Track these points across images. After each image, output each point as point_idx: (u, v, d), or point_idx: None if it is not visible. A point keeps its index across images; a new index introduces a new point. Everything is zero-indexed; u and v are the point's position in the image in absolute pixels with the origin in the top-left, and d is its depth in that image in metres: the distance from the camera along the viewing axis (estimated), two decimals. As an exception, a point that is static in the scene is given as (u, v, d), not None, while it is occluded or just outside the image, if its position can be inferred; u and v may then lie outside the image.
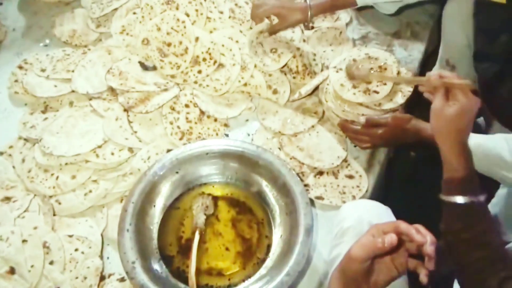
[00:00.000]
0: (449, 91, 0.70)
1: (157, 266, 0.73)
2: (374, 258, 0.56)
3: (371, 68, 0.93)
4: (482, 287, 0.59)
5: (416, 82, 0.78)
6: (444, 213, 0.65)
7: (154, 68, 0.99)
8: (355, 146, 0.94)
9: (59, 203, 0.80)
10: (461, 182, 0.65)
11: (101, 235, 0.79)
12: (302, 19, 0.98)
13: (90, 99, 0.95)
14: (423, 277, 0.53)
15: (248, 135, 0.97)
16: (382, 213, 0.74)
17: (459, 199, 0.63)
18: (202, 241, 0.77)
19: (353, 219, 0.71)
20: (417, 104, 1.04)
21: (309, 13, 0.97)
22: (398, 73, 0.94)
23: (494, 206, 0.93)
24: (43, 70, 1.00)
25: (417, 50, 1.19)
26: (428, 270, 0.53)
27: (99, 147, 0.85)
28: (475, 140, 0.75)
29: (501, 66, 0.86)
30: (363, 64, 0.94)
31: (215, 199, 0.82)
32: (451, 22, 1.12)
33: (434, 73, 0.73)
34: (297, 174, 0.88)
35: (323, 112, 0.99)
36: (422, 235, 0.52)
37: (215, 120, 0.96)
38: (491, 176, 0.75)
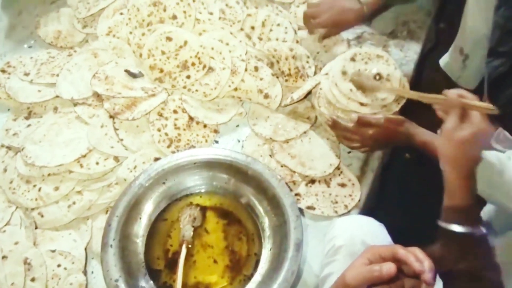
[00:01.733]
0: (465, 113, 0.64)
1: (143, 282, 0.70)
2: (370, 286, 0.53)
3: (376, 77, 0.90)
4: None
5: (432, 100, 0.71)
6: (439, 240, 0.62)
7: (141, 74, 0.95)
8: (348, 153, 0.92)
9: (42, 216, 0.78)
10: (464, 212, 0.61)
11: (85, 249, 0.77)
12: (357, 22, 0.98)
13: (75, 105, 0.92)
14: None
15: (239, 141, 0.94)
16: (375, 231, 0.71)
17: (459, 228, 0.60)
18: (189, 254, 0.75)
19: (345, 237, 0.69)
20: (412, 109, 1.02)
21: (364, 14, 0.96)
22: (404, 86, 0.92)
23: (485, 213, 0.91)
24: (26, 74, 0.97)
25: (413, 51, 1.15)
26: None
27: (83, 156, 0.82)
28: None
29: (509, 67, 0.83)
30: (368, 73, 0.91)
31: (204, 209, 0.80)
32: (474, 9, 1.08)
33: (452, 92, 0.67)
34: (288, 183, 0.87)
35: (316, 117, 0.96)
36: (420, 263, 0.49)
37: (205, 126, 0.93)
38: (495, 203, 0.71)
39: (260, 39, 1.05)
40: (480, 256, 0.60)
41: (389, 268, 0.48)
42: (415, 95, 0.77)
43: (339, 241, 0.69)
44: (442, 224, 0.62)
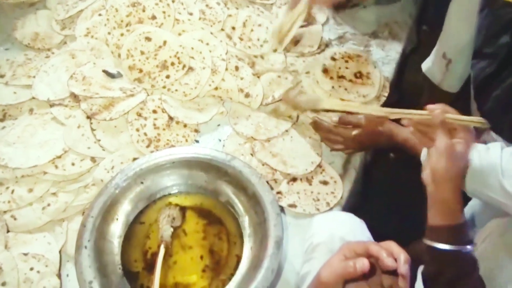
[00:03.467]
0: (451, 129, 0.63)
1: (120, 284, 0.68)
2: (346, 282, 0.52)
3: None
4: None
5: (412, 115, 0.68)
6: (427, 259, 0.60)
7: (120, 75, 0.94)
8: (331, 150, 0.91)
9: (15, 219, 0.75)
10: (453, 230, 0.60)
11: (60, 251, 0.74)
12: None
13: (51, 106, 0.90)
14: None
15: (220, 140, 0.93)
16: (355, 227, 0.70)
17: (447, 247, 0.59)
18: (168, 254, 0.73)
19: (324, 234, 0.68)
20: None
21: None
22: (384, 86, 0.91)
23: (469, 208, 0.91)
24: (1, 76, 0.95)
25: (394, 50, 1.16)
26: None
27: (59, 157, 0.80)
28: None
29: (496, 68, 0.83)
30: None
31: (183, 209, 0.78)
32: (457, 15, 1.09)
33: (437, 107, 0.64)
34: (269, 181, 0.86)
35: (298, 116, 0.95)
36: (392, 259, 0.48)
37: (185, 126, 0.92)
38: (480, 197, 0.71)
39: (241, 39, 1.04)
40: (467, 277, 0.59)
41: (362, 264, 0.47)
42: (390, 113, 0.74)
43: (317, 238, 0.68)
44: (429, 242, 0.60)
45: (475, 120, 0.64)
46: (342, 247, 0.53)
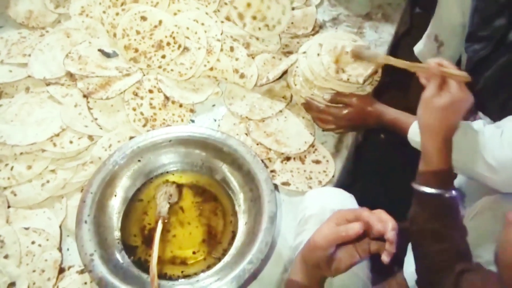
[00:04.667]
0: (444, 82, 0.67)
1: (119, 257, 0.71)
2: (337, 246, 0.55)
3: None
4: (438, 278, 0.60)
5: (416, 68, 0.74)
6: (414, 201, 0.65)
7: (116, 54, 0.94)
8: (323, 131, 0.94)
9: (15, 195, 0.77)
10: (438, 176, 0.64)
11: (60, 226, 0.76)
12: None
13: (48, 85, 0.90)
14: (385, 257, 0.53)
15: (215, 120, 0.95)
16: (345, 201, 0.74)
17: (432, 190, 0.63)
18: (166, 230, 0.75)
19: (316, 207, 0.71)
20: (385, 92, 1.05)
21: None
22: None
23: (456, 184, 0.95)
24: (-4, 54, 0.95)
25: (387, 32, 1.18)
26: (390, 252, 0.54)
27: (56, 135, 0.81)
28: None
29: (491, 50, 0.85)
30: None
31: (180, 187, 0.81)
32: None
33: (434, 60, 0.69)
34: (264, 160, 0.88)
35: (291, 96, 0.97)
36: (383, 224, 0.52)
37: (181, 105, 0.93)
38: (467, 172, 0.74)
39: (254, 18, 1.01)
40: (448, 217, 0.63)
41: (354, 227, 0.50)
42: (403, 63, 0.80)
43: (309, 211, 0.72)
44: (416, 186, 0.64)
45: (459, 74, 0.67)
46: (333, 215, 0.56)
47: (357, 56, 0.88)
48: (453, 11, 1.04)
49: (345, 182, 0.94)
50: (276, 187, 0.85)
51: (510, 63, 0.80)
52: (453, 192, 0.64)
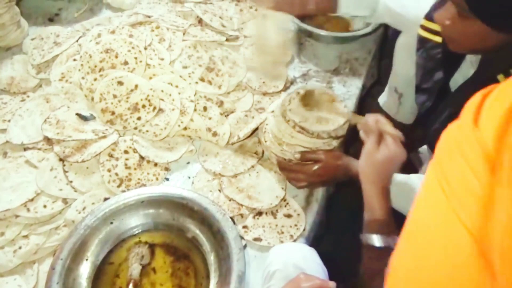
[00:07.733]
0: (381, 137, 0.75)
1: (89, 324, 0.71)
2: None
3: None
4: None
5: (357, 120, 0.84)
6: (363, 254, 0.67)
7: (93, 117, 0.99)
8: (297, 188, 0.96)
9: (-14, 263, 0.78)
10: (380, 223, 0.68)
11: (30, 293, 0.76)
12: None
13: (25, 150, 0.93)
14: None
15: (189, 178, 0.97)
16: (306, 255, 0.77)
17: (377, 240, 0.66)
18: (137, 293, 0.76)
19: (279, 262, 0.74)
20: (352, 145, 1.09)
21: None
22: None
23: None
24: (-24, 121, 0.98)
25: (355, 86, 1.25)
26: None
27: (31, 200, 0.83)
28: (399, 178, 0.79)
29: (433, 101, 0.92)
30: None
31: (152, 246, 0.82)
32: (402, 53, 1.18)
33: (371, 117, 0.78)
34: (236, 216, 0.90)
35: (263, 152, 1.01)
36: None
37: (155, 164, 0.96)
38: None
39: (217, 75, 1.10)
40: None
41: None
42: (346, 115, 0.89)
43: (273, 266, 0.74)
44: (363, 236, 0.68)
45: (394, 133, 0.75)
46: (295, 279, 0.58)
47: (303, 102, 0.94)
48: (405, 65, 1.12)
49: (317, 234, 0.95)
50: (248, 243, 0.86)
51: (452, 117, 0.85)
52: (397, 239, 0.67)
